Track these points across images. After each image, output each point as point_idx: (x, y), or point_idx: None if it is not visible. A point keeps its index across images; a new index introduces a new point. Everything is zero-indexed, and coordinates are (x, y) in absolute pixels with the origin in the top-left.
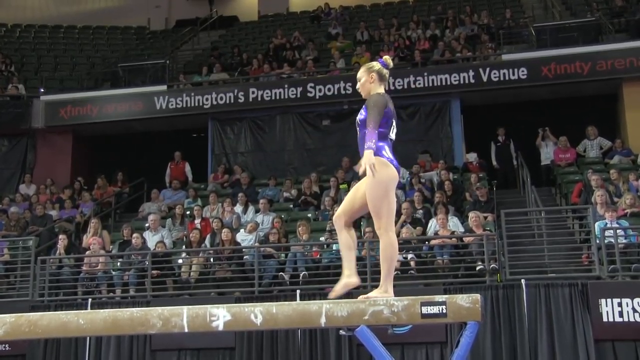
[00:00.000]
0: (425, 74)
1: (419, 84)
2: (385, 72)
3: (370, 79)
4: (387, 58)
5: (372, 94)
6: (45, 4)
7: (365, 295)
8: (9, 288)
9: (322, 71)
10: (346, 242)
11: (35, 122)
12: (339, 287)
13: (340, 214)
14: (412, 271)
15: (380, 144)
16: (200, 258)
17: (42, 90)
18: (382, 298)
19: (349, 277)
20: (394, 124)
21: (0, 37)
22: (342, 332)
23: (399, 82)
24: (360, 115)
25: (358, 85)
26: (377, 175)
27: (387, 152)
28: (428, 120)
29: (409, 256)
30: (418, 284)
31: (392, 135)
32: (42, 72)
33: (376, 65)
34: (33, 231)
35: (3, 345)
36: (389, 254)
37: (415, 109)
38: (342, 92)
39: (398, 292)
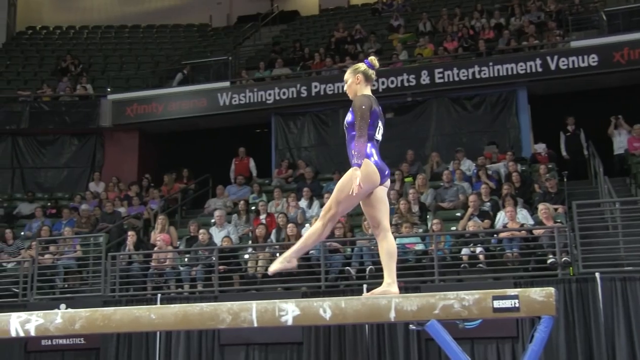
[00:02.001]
0: (491, 63)
1: (484, 74)
2: (371, 72)
3: (357, 80)
4: (372, 59)
5: (358, 95)
6: (111, 5)
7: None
8: (82, 283)
9: (384, 63)
10: (387, 250)
11: (103, 121)
12: (378, 292)
13: (372, 226)
14: (480, 265)
15: (367, 144)
16: (266, 253)
17: (109, 89)
18: (451, 293)
19: (390, 286)
20: (381, 125)
21: (68, 39)
22: (412, 326)
23: (463, 72)
24: (348, 118)
25: (345, 87)
26: (362, 179)
27: (374, 155)
28: (494, 111)
29: (477, 249)
30: (487, 277)
31: (379, 137)
32: (108, 72)
33: (362, 66)
34: (103, 228)
35: (79, 339)
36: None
37: (481, 100)
38: (405, 84)
39: (467, 286)
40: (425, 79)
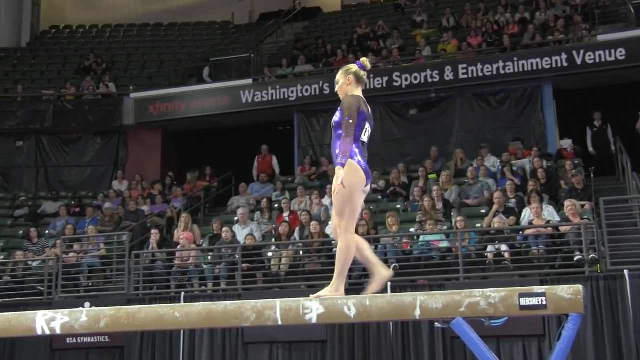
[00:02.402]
0: (515, 58)
1: (509, 69)
2: (363, 74)
3: (347, 82)
4: (364, 60)
5: (348, 95)
6: (133, 3)
7: (316, 294)
8: (106, 282)
9: (407, 60)
10: (359, 247)
11: (125, 119)
12: (375, 285)
13: (335, 226)
14: (506, 262)
15: (352, 145)
16: (289, 251)
17: (132, 88)
18: (477, 291)
19: (379, 273)
20: (368, 126)
21: (92, 37)
22: (437, 324)
23: (487, 68)
24: (335, 117)
25: (336, 88)
26: (345, 178)
27: (358, 155)
28: (519, 107)
29: (503, 247)
30: (512, 275)
31: (365, 138)
32: (131, 70)
33: (353, 67)
34: (126, 226)
35: (103, 337)
36: (343, 255)
37: (505, 96)
38: (429, 80)
39: (492, 284)
40: (449, 75)
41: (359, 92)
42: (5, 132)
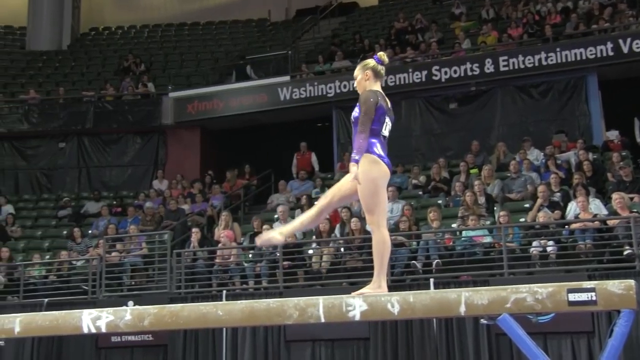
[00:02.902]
0: (558, 49)
1: (551, 60)
2: (381, 68)
3: (366, 77)
4: (381, 54)
5: (366, 90)
6: (170, 3)
7: (359, 292)
8: (148, 281)
9: (446, 53)
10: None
11: (165, 118)
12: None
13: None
14: (552, 257)
15: (373, 140)
16: (330, 248)
17: (170, 87)
18: (524, 286)
19: (380, 287)
20: (388, 120)
21: (130, 38)
22: (483, 320)
23: (529, 59)
24: (355, 113)
25: (355, 84)
26: (368, 172)
27: (379, 149)
28: (562, 98)
29: (549, 242)
30: (559, 270)
31: (385, 132)
32: (169, 70)
33: (371, 62)
34: (167, 225)
35: (147, 335)
36: (381, 250)
37: (548, 87)
38: (469, 73)
39: (537, 280)
40: (489, 67)
41: (377, 86)
42: (48, 134)
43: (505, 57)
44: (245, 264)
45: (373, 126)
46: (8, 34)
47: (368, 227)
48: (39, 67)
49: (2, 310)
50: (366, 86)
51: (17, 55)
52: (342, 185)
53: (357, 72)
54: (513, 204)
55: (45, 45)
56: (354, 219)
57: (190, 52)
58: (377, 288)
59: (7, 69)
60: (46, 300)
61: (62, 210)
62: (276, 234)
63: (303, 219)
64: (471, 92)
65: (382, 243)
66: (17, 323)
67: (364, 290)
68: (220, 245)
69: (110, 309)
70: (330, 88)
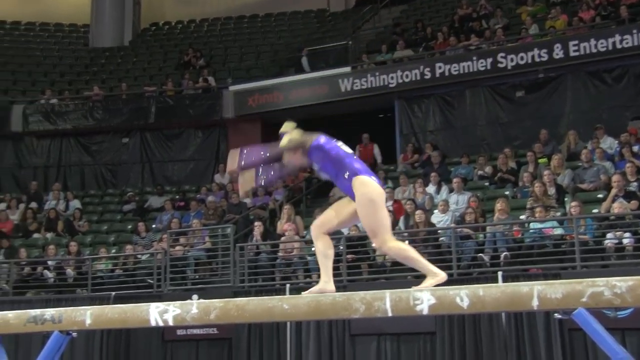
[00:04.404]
0: (635, 31)
1: (627, 43)
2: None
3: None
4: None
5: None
6: None
7: (419, 287)
8: (211, 274)
9: (512, 39)
10: (323, 251)
11: (225, 112)
12: (315, 290)
13: (319, 224)
14: (628, 249)
15: (357, 165)
16: None
17: (230, 80)
18: (601, 280)
19: (326, 284)
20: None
21: (190, 32)
22: (557, 315)
23: (602, 43)
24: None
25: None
26: (366, 194)
27: (362, 170)
28: (638, 83)
29: (625, 234)
30: (636, 263)
31: (347, 148)
32: (229, 63)
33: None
34: (230, 219)
35: (212, 329)
36: (408, 255)
37: (623, 72)
38: (537, 59)
39: (612, 273)
40: (558, 53)
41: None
42: (112, 129)
43: (576, 42)
44: (309, 257)
45: (340, 153)
46: (72, 32)
47: (434, 219)
48: (102, 64)
49: (72, 303)
50: (296, 159)
51: (81, 52)
52: (345, 207)
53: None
54: (585, 195)
55: (107, 42)
56: (418, 211)
57: (250, 45)
58: (435, 277)
59: (72, 67)
60: (113, 293)
61: (127, 205)
62: (327, 286)
63: (325, 257)
64: (539, 79)
65: (402, 250)
66: (88, 315)
67: (424, 284)
68: (283, 238)
69: (177, 302)
70: (392, 78)
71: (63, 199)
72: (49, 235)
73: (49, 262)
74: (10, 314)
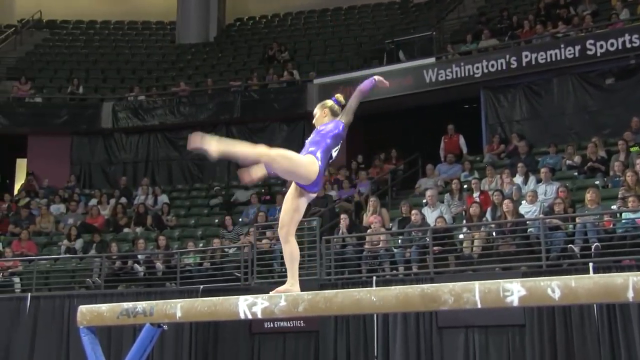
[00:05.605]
0: None
1: None
2: (337, 108)
3: (324, 114)
4: (339, 96)
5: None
6: None
7: (275, 291)
8: (299, 267)
9: (602, 25)
10: (290, 254)
11: (310, 105)
12: (282, 290)
13: (282, 226)
14: None
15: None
16: (482, 232)
17: (315, 74)
18: None
19: (292, 286)
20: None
21: (274, 27)
22: None
23: None
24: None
25: (314, 121)
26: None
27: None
28: None
29: None
30: None
31: (334, 154)
32: (313, 57)
33: (329, 102)
34: (315, 212)
35: (299, 321)
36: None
37: None
38: (627, 45)
39: None
40: None
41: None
42: (198, 124)
43: None
44: (395, 250)
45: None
46: (159, 29)
47: (522, 210)
48: (188, 60)
49: (161, 296)
50: (324, 122)
51: (168, 49)
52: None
53: (317, 111)
54: None
55: (193, 38)
56: (505, 202)
57: (334, 38)
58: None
59: (159, 63)
60: (201, 287)
61: (214, 199)
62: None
63: (292, 260)
64: (630, 66)
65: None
66: (178, 308)
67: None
68: (369, 231)
69: (265, 295)
70: (477, 68)
71: (151, 193)
72: (138, 229)
73: (139, 256)
74: (103, 307)
